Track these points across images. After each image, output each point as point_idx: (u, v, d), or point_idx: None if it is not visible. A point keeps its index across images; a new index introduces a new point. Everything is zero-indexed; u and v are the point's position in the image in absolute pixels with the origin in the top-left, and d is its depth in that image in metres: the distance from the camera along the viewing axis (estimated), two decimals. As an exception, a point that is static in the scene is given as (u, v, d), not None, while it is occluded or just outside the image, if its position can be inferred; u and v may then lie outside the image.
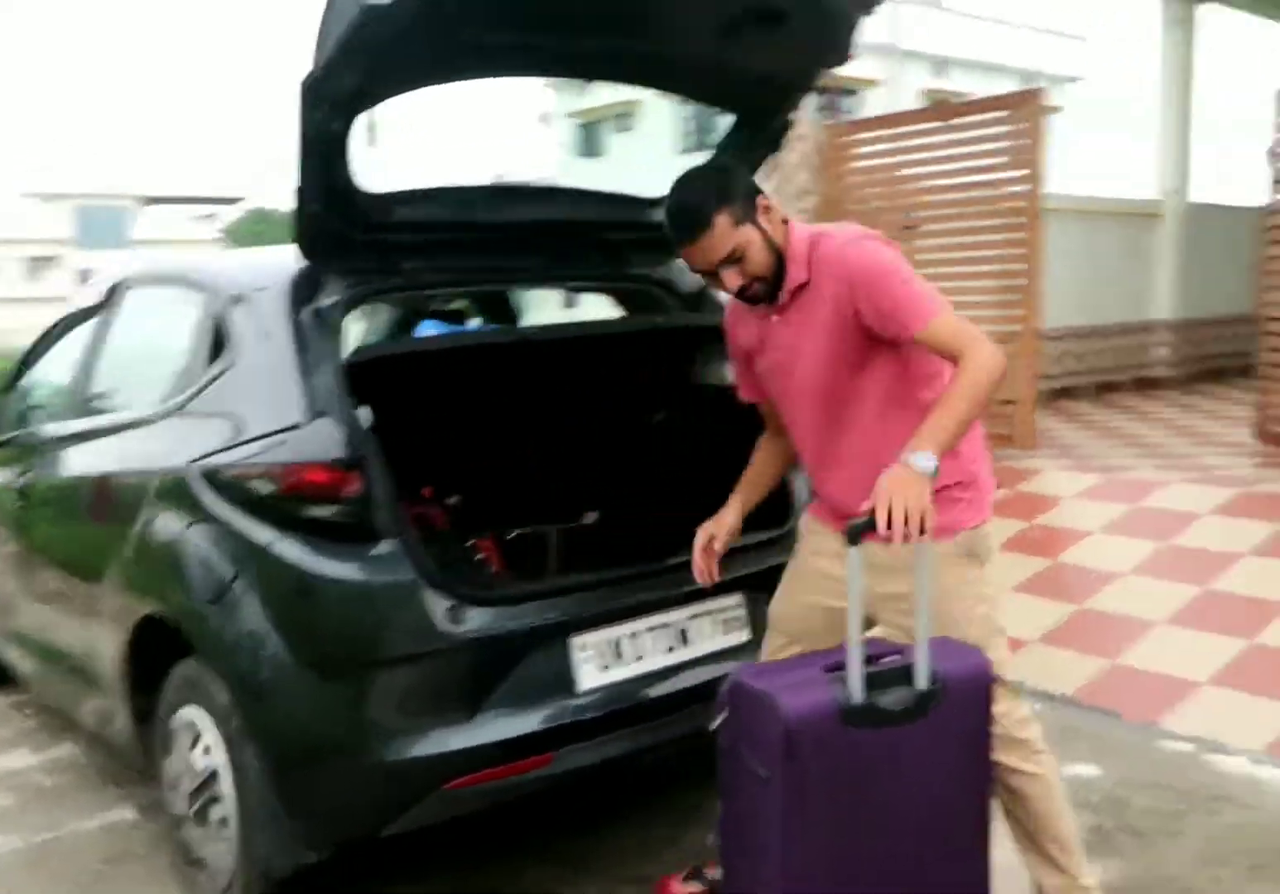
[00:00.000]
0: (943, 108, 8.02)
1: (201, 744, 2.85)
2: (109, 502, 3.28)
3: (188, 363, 3.15)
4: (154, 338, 3.59)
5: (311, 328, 2.84)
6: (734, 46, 2.96)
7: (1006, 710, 2.43)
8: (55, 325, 4.32)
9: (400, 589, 2.59)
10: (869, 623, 2.43)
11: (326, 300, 2.88)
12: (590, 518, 3.74)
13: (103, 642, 3.22)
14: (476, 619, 2.65)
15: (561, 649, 2.78)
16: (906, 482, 2.10)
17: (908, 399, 2.46)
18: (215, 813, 2.81)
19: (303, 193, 2.74)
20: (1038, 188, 6.55)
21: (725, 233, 2.36)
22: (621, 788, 3.50)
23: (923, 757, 2.13)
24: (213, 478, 2.77)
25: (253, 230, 46.62)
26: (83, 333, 3.96)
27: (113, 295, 3.81)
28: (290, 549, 2.60)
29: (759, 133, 3.39)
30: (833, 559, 2.50)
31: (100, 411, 3.61)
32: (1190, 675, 4.13)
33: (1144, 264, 10.15)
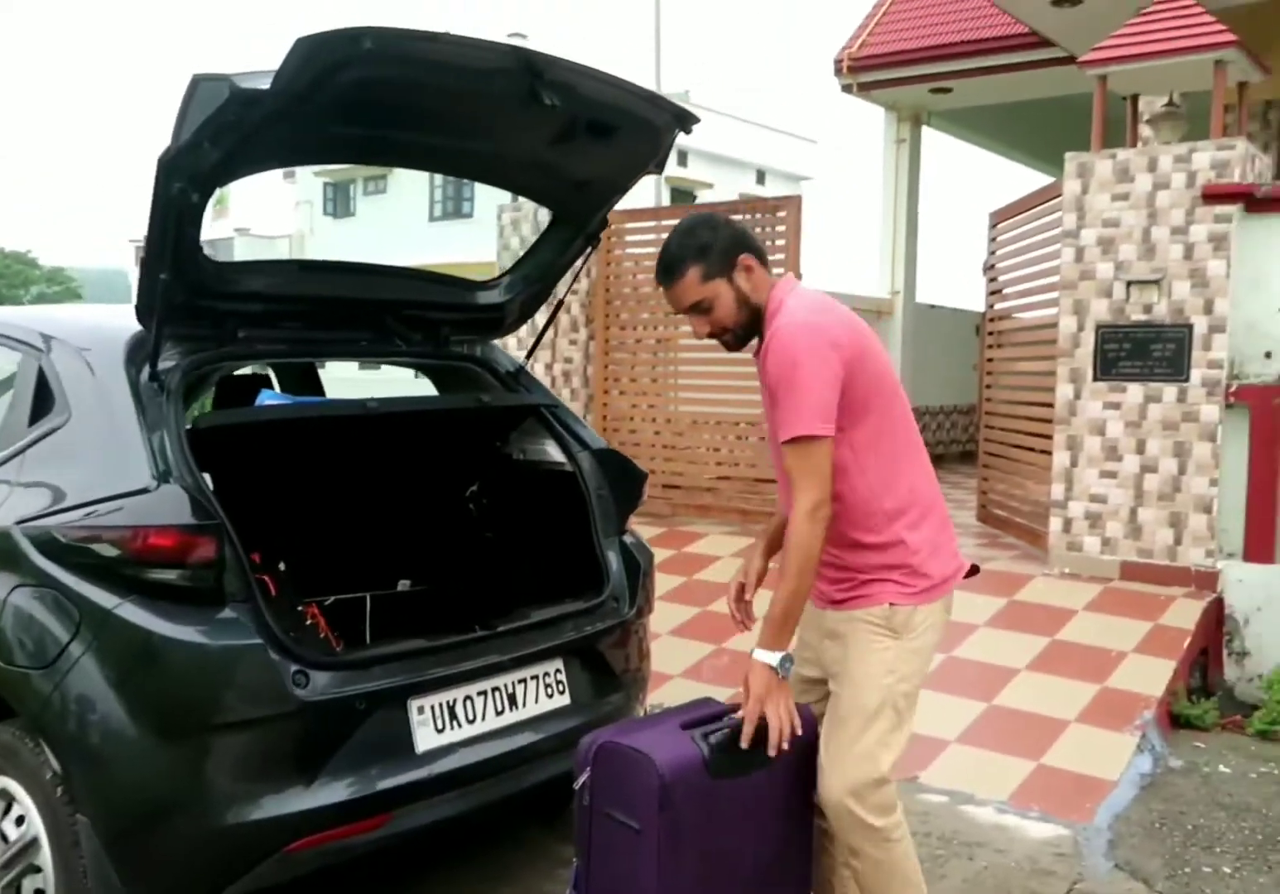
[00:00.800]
0: (714, 206, 8.58)
1: (14, 813, 2.75)
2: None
3: (4, 419, 3.08)
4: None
5: (152, 391, 2.85)
6: (563, 152, 3.22)
7: (871, 797, 2.48)
8: None
9: (248, 653, 2.62)
10: None
11: (164, 364, 2.91)
12: (404, 585, 3.84)
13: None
14: (320, 683, 2.71)
15: (400, 712, 2.86)
16: (760, 683, 2.42)
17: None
18: (30, 885, 2.71)
19: (152, 261, 2.78)
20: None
21: (693, 285, 2.53)
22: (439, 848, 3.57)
23: (767, 799, 2.39)
24: (45, 539, 2.72)
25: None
26: None
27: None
28: (135, 613, 2.59)
29: (576, 229, 3.66)
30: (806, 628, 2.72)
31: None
32: (940, 735, 4.57)
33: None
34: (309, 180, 34.03)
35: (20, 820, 2.75)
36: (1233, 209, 5.54)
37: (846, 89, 11.17)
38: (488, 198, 28.65)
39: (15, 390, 3.10)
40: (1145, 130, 6.77)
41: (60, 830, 2.63)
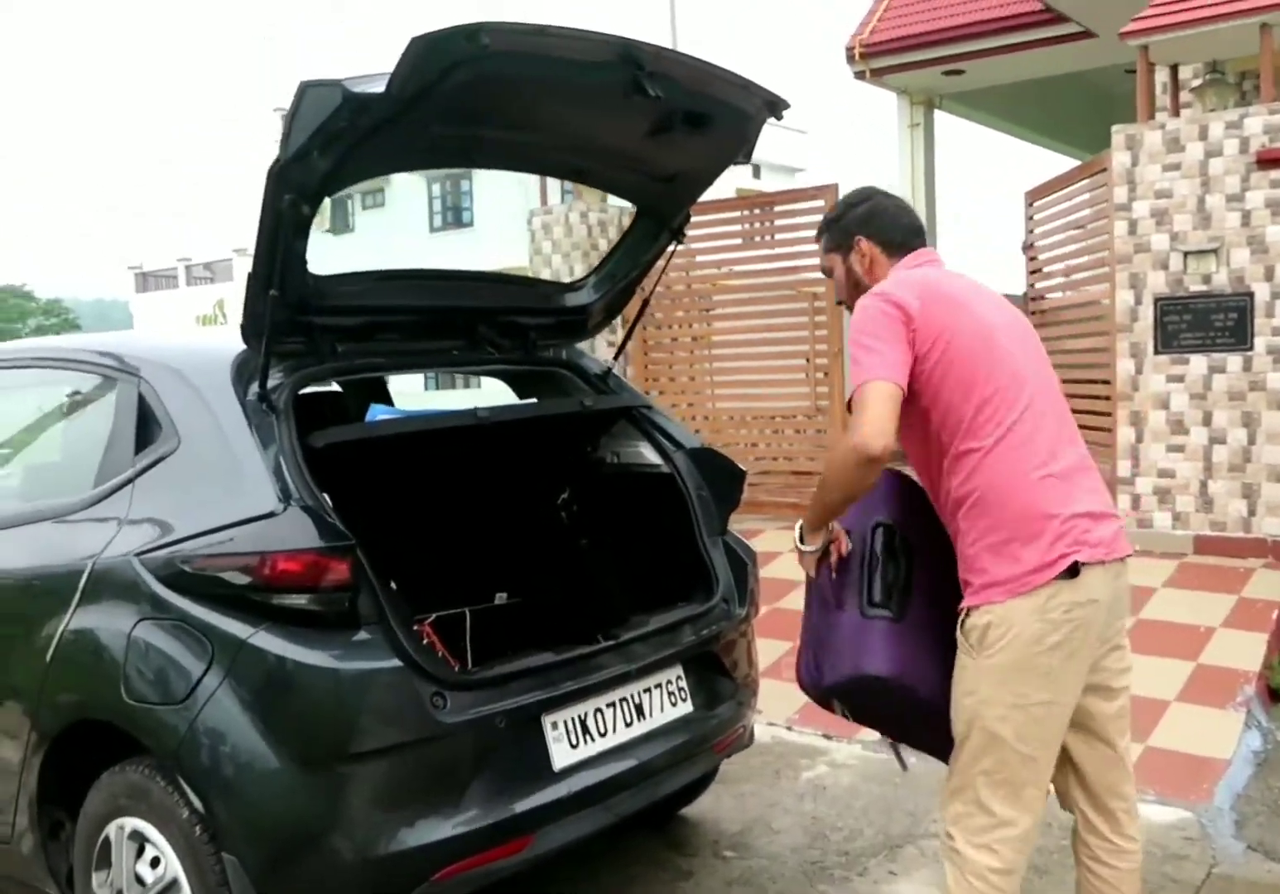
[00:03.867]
0: (751, 198, 8.50)
1: (148, 855, 2.67)
2: (12, 602, 3.04)
3: (106, 450, 2.99)
4: (46, 424, 3.37)
5: (262, 411, 2.78)
6: (657, 145, 3.14)
7: (980, 837, 2.34)
8: None
9: (387, 676, 2.55)
10: None
11: (271, 383, 2.83)
12: (500, 598, 3.75)
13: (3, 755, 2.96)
14: (458, 703, 2.63)
15: (536, 729, 2.79)
16: (805, 563, 2.59)
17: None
18: (172, 927, 2.64)
19: (260, 277, 2.71)
20: (837, 274, 7.06)
21: (822, 251, 2.71)
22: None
23: None
24: (169, 571, 2.64)
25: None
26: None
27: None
28: (270, 641, 2.51)
29: (661, 224, 3.58)
30: None
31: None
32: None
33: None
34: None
35: (156, 862, 2.67)
36: (1290, 173, 5.45)
37: (859, 75, 11.09)
38: (488, 205, 28.61)
39: (115, 419, 3.01)
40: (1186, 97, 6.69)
41: (202, 870, 2.55)
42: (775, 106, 3.17)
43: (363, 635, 2.57)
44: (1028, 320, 2.62)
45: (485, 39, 2.40)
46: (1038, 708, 2.28)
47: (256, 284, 2.71)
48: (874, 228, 2.58)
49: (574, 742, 2.86)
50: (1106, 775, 2.48)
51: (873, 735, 4.35)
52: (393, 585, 3.13)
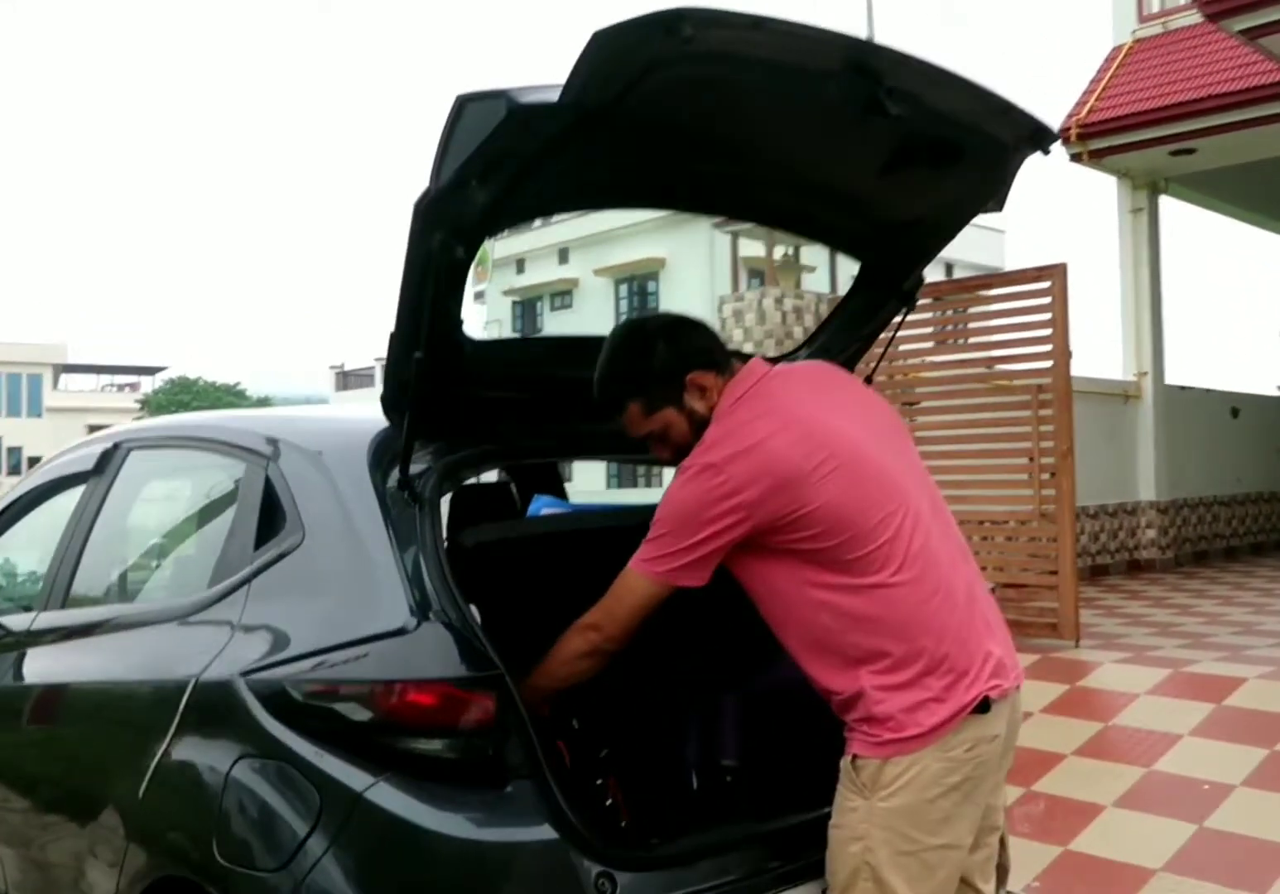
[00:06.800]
0: (965, 281, 7.82)
1: None
2: (109, 720, 2.58)
3: (225, 543, 2.53)
4: (169, 511, 2.96)
5: (403, 502, 2.26)
6: (892, 183, 2.54)
7: None
8: (11, 501, 3.61)
9: (540, 852, 1.94)
10: None
11: (416, 468, 2.31)
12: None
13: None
14: (632, 889, 1.99)
15: (733, 923, 2.13)
16: None
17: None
18: None
19: (404, 336, 2.20)
20: (1065, 364, 6.29)
21: (637, 419, 2.28)
22: None
23: None
24: (276, 695, 2.12)
25: (174, 400, 45.59)
26: (63, 505, 3.29)
27: (107, 459, 3.16)
28: (391, 796, 1.94)
29: (889, 287, 2.96)
30: None
31: (93, 602, 2.93)
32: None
33: (1125, 445, 10.00)
34: (497, 300, 34.72)
35: None
36: None
37: (1075, 158, 10.31)
38: (679, 301, 28.50)
39: (238, 506, 2.56)
40: None
41: None
42: (1042, 139, 2.54)
43: (510, 793, 1.97)
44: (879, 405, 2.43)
45: (687, 30, 1.86)
46: (932, 854, 2.05)
47: (398, 345, 2.20)
48: (697, 356, 2.26)
49: (776, 945, 2.18)
50: None
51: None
52: (574, 723, 2.54)
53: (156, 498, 3.03)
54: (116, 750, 2.47)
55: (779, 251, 12.39)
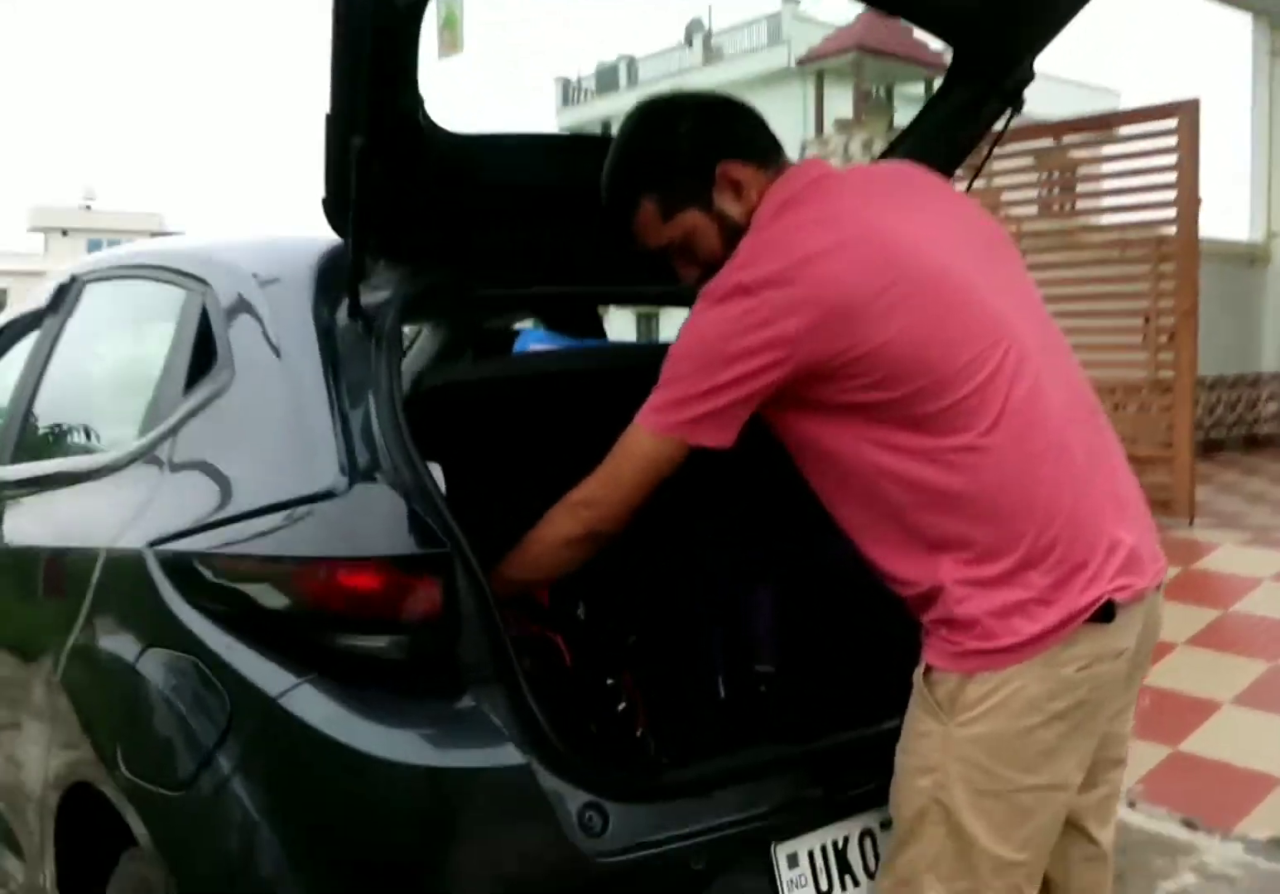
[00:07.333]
0: (1079, 121, 6.95)
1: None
2: (34, 592, 2.19)
3: (157, 386, 2.08)
4: (112, 352, 2.52)
5: (355, 336, 1.76)
6: None
7: None
8: None
9: (499, 780, 1.49)
10: None
11: (374, 297, 1.81)
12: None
13: (29, 801, 2.12)
14: (627, 825, 1.54)
15: (761, 870, 1.66)
16: None
17: None
18: None
19: (339, 115, 1.66)
20: (1193, 213, 5.52)
21: (654, 224, 1.74)
22: None
23: None
24: (185, 572, 1.68)
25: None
26: (20, 349, 2.87)
27: (62, 297, 2.71)
28: (312, 704, 1.49)
29: (986, 86, 2.32)
30: None
31: (37, 455, 2.52)
32: None
33: (1248, 312, 9.14)
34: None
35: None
36: None
37: (1209, -11, 9.23)
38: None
39: (173, 343, 2.10)
40: None
41: None
42: None
43: (466, 704, 1.52)
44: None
45: None
46: (1025, 796, 1.57)
47: (334, 129, 1.65)
48: (729, 140, 1.72)
49: (825, 888, 1.72)
50: (1083, 877, 1.79)
51: (1260, 831, 3.06)
52: (580, 610, 2.08)
53: (105, 336, 2.59)
54: (39, 630, 2.08)
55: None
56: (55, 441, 2.54)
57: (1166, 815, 3.41)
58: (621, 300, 2.91)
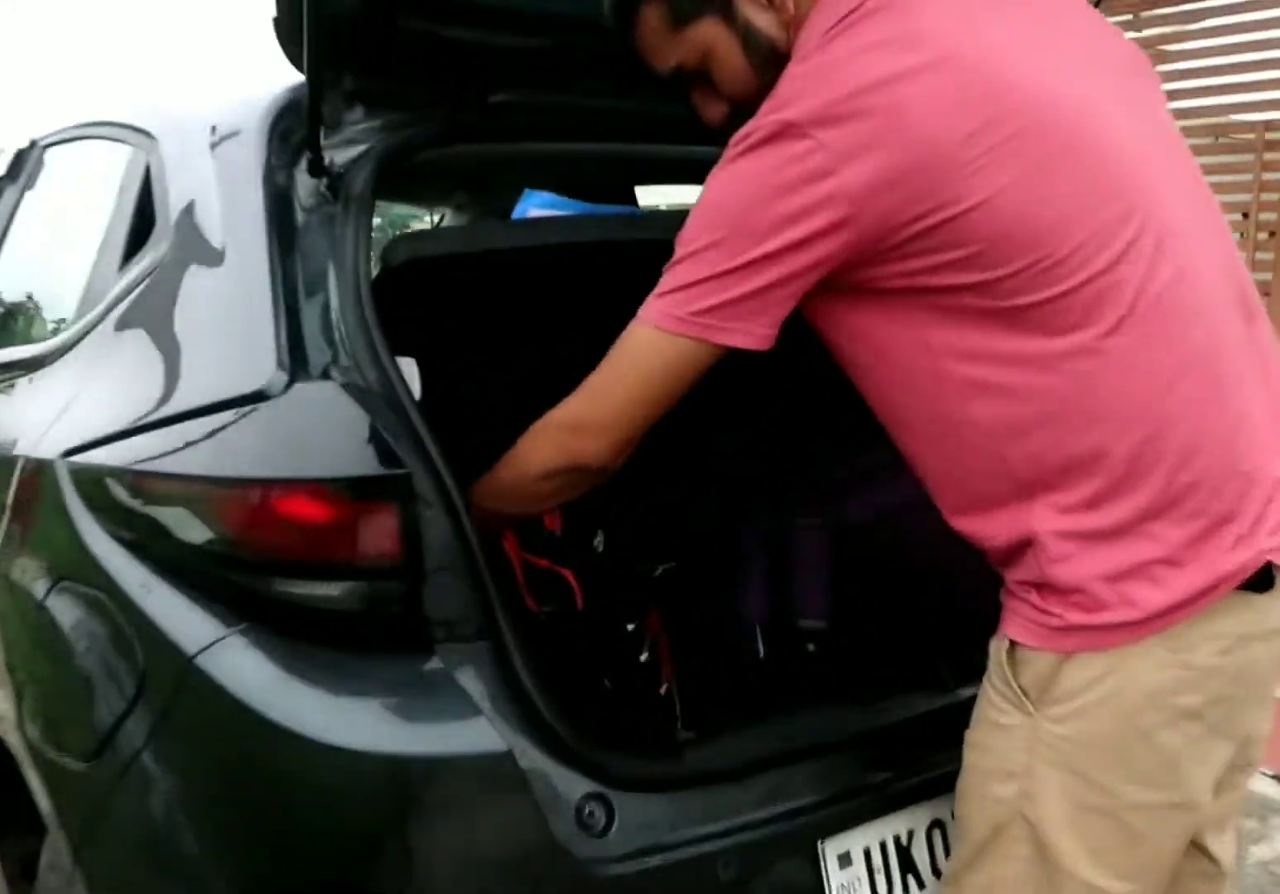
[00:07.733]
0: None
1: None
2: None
3: (94, 262, 1.75)
4: (62, 223, 2.19)
5: (313, 202, 1.41)
6: None
7: None
8: None
9: (474, 768, 1.17)
10: None
11: (346, 152, 1.44)
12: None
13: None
14: (639, 823, 1.22)
15: (805, 872, 1.34)
16: None
17: None
18: None
19: None
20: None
21: (661, 38, 1.30)
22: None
23: None
24: (96, 489, 1.36)
25: None
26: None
27: (20, 164, 2.38)
28: (235, 666, 1.17)
29: None
30: None
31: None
32: None
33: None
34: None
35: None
36: None
37: None
38: None
39: (114, 211, 1.76)
40: None
41: None
42: None
43: (434, 667, 1.19)
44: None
45: None
46: (1141, 815, 1.18)
47: None
48: None
49: (885, 891, 1.41)
50: None
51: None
52: (598, 542, 1.75)
53: (62, 207, 2.26)
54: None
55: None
56: (7, 328, 2.22)
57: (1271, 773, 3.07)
58: (661, 173, 2.48)
